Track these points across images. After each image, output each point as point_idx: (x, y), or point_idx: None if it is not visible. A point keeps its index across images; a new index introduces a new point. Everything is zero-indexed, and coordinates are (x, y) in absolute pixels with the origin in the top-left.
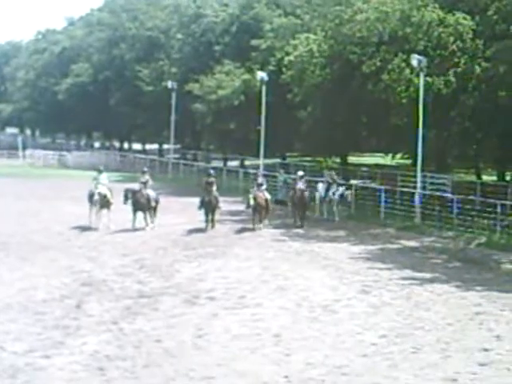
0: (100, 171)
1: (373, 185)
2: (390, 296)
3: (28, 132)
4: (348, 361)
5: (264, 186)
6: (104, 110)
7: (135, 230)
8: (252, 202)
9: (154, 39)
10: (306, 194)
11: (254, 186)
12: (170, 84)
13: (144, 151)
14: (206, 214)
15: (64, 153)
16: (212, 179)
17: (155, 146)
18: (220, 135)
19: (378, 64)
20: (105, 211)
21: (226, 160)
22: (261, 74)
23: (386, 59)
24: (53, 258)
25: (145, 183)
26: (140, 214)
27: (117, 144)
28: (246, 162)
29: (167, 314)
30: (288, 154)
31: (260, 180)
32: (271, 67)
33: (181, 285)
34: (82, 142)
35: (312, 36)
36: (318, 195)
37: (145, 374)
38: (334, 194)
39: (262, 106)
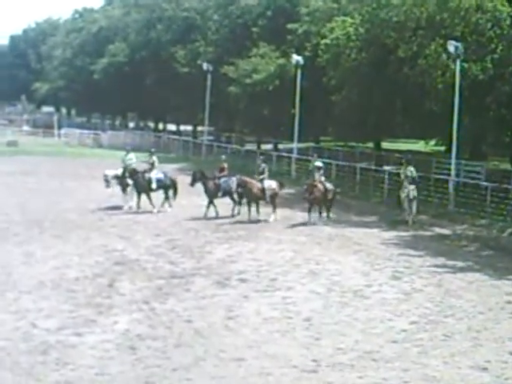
0: (127, 151)
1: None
2: (422, 283)
3: (64, 111)
4: (378, 347)
5: (265, 175)
6: (139, 91)
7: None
8: (235, 188)
9: (191, 20)
10: (328, 186)
11: (255, 174)
12: (205, 66)
13: (178, 132)
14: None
15: (99, 132)
16: (224, 165)
17: (189, 128)
18: (254, 119)
19: (415, 49)
20: (128, 190)
21: (259, 143)
22: (296, 58)
23: (423, 44)
24: (86, 236)
25: (152, 164)
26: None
27: (151, 125)
28: (280, 146)
29: (198, 294)
30: (322, 139)
31: (261, 167)
32: (307, 52)
33: (212, 266)
34: (117, 122)
35: (349, 19)
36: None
37: (175, 353)
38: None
39: (296, 89)
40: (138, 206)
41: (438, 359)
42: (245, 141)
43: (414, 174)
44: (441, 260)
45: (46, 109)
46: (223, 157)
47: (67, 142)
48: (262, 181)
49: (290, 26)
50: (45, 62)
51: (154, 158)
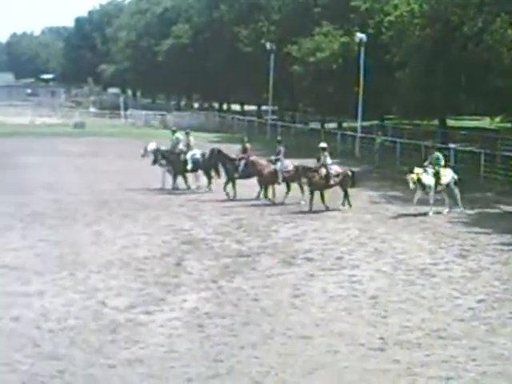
0: (173, 131)
1: (472, 148)
2: (489, 261)
3: (129, 92)
4: (445, 325)
5: (280, 156)
6: (203, 72)
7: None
8: (241, 169)
9: (254, 0)
10: (335, 170)
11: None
12: (268, 45)
13: (242, 112)
14: (233, 183)
15: (164, 113)
16: (247, 145)
17: (254, 108)
18: (318, 97)
19: (480, 25)
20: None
21: (323, 122)
22: (360, 35)
23: (488, 20)
24: (153, 216)
25: (188, 145)
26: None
27: (216, 105)
28: (344, 124)
29: (265, 273)
30: (386, 117)
31: (278, 149)
32: (370, 30)
33: (278, 245)
34: (182, 103)
35: None
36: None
37: (243, 331)
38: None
39: (360, 66)
40: (174, 187)
41: (505, 337)
42: (309, 119)
43: (441, 162)
44: (508, 238)
45: (112, 90)
46: (245, 137)
47: (133, 124)
48: (275, 162)
49: (353, 3)
50: (110, 44)
51: (191, 138)
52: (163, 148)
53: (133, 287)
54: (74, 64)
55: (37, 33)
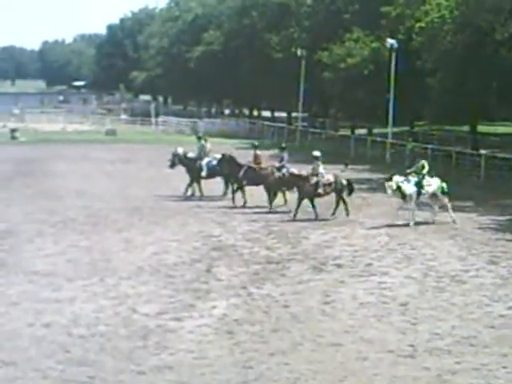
0: (199, 138)
1: (503, 155)
2: None
3: (160, 99)
4: (476, 332)
5: (284, 162)
6: (234, 78)
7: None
8: (241, 176)
9: (285, 6)
10: (327, 179)
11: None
12: (299, 52)
13: (273, 119)
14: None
15: (196, 120)
16: (257, 152)
17: (284, 114)
18: (348, 104)
19: (511, 31)
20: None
21: (353, 128)
22: (390, 41)
23: None
24: (183, 222)
25: (205, 151)
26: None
27: (246, 111)
28: (374, 130)
29: (295, 279)
30: (416, 123)
31: (281, 156)
32: (400, 36)
33: (308, 251)
34: (213, 110)
35: (443, 2)
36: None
37: (273, 338)
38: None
39: (391, 73)
40: (189, 193)
41: None
42: (339, 126)
43: (425, 169)
44: None
45: (143, 97)
46: (256, 143)
47: (164, 130)
48: (279, 169)
49: (383, 9)
50: (141, 51)
51: (208, 144)
52: (190, 154)
53: (163, 293)
54: (106, 71)
55: (69, 40)
